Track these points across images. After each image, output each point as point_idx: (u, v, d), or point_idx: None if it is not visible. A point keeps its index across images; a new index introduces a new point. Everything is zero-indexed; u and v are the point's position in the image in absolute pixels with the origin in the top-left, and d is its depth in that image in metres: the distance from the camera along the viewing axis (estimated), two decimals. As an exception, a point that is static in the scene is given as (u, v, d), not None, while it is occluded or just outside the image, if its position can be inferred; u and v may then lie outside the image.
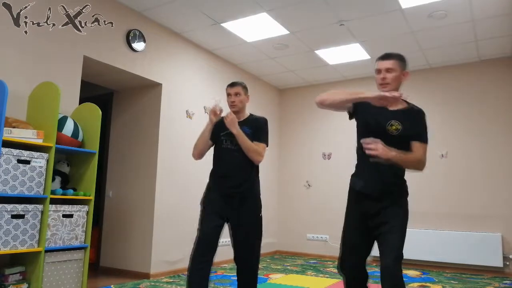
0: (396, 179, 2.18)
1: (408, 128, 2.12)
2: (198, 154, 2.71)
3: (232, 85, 2.68)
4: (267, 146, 2.68)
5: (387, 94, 1.99)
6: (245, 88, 2.70)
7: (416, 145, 2.12)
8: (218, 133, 2.65)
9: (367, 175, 2.21)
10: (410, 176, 2.36)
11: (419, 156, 2.11)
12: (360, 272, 2.25)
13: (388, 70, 2.12)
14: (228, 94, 2.67)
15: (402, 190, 2.19)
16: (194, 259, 2.46)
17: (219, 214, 2.55)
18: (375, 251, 2.30)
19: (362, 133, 2.20)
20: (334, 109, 2.30)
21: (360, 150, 2.22)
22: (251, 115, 2.76)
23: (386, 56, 2.16)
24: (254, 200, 2.62)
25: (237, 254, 2.60)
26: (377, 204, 2.15)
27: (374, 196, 2.15)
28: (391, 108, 2.17)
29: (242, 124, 2.63)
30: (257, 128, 2.66)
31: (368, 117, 2.19)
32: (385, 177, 2.15)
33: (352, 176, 2.34)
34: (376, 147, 2.01)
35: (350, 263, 2.23)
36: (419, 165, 2.11)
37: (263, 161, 2.63)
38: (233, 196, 2.55)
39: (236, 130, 2.52)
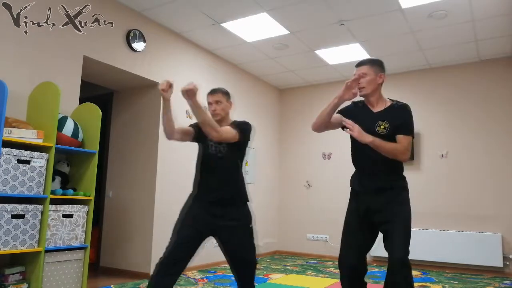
0: (391, 176, 2.26)
1: (395, 124, 2.24)
2: (166, 133, 2.37)
3: (212, 92, 2.47)
4: (236, 135, 2.33)
5: (347, 82, 2.25)
6: (226, 94, 2.50)
7: (399, 137, 2.23)
8: (204, 136, 2.36)
9: (361, 174, 2.34)
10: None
11: (399, 146, 2.20)
12: (361, 265, 2.29)
13: (362, 75, 2.31)
14: (209, 103, 2.45)
15: (400, 186, 2.25)
16: (160, 270, 2.18)
17: (199, 226, 2.30)
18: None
19: (355, 141, 2.33)
20: (329, 127, 2.46)
21: (354, 155, 2.44)
22: (234, 121, 2.50)
23: (359, 63, 2.36)
24: (242, 209, 2.40)
25: (232, 266, 2.41)
26: (377, 200, 2.22)
27: (370, 194, 2.26)
28: (375, 110, 2.33)
29: None
30: (234, 123, 2.42)
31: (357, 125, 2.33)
32: (377, 175, 2.26)
33: (351, 176, 2.47)
34: (353, 128, 2.18)
35: (353, 260, 2.26)
36: (397, 153, 2.19)
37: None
38: (217, 206, 2.34)
39: (192, 100, 2.14)
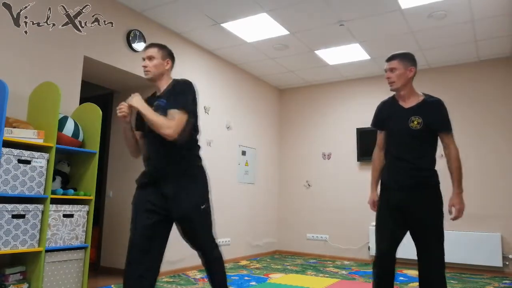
0: (419, 172, 2.26)
1: (428, 119, 2.25)
2: (132, 153, 2.35)
3: (146, 47, 2.22)
4: (185, 111, 2.09)
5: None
6: (163, 49, 2.22)
7: (445, 138, 2.28)
8: (142, 120, 2.19)
9: (390, 169, 2.37)
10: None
11: (452, 153, 2.26)
12: (392, 258, 2.31)
13: (391, 69, 2.33)
14: (142, 59, 2.23)
15: (429, 182, 2.28)
16: (128, 268, 2.06)
17: (151, 208, 2.12)
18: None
19: (392, 137, 2.37)
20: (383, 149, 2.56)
21: (387, 151, 2.43)
22: (175, 80, 2.24)
23: (389, 58, 2.36)
24: (190, 187, 2.13)
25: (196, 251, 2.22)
26: (409, 198, 2.24)
27: (396, 188, 2.28)
28: (407, 106, 2.33)
29: (161, 97, 2.19)
30: (172, 94, 2.15)
31: (391, 123, 2.37)
32: (403, 171, 2.28)
33: (383, 169, 2.48)
34: (458, 214, 2.27)
35: (382, 251, 2.29)
36: (459, 159, 2.28)
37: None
38: (159, 183, 2.14)
39: (137, 103, 2.06)
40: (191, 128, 2.18)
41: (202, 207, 2.14)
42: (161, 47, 2.23)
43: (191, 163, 2.19)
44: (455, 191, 2.24)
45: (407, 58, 2.34)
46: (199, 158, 2.24)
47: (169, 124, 2.04)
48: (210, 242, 2.20)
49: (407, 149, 2.27)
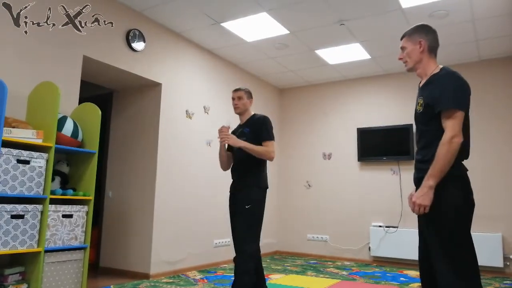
0: (422, 164, 1.91)
1: (428, 97, 1.88)
2: (224, 168, 3.08)
3: (235, 90, 3.02)
4: (273, 140, 2.89)
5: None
6: (247, 92, 3.00)
7: (442, 119, 1.81)
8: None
9: None
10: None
11: (444, 139, 1.76)
12: (425, 267, 1.97)
13: (401, 48, 2.08)
14: (232, 98, 3.00)
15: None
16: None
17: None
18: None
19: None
20: None
21: None
22: (254, 115, 3.00)
23: (401, 37, 2.11)
24: (246, 192, 2.81)
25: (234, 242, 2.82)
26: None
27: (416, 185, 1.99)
28: (421, 85, 2.03)
29: (244, 125, 2.96)
30: (257, 128, 2.88)
31: None
32: (416, 163, 1.99)
33: None
34: (412, 207, 1.85)
35: (420, 257, 1.99)
36: (446, 146, 1.76)
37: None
38: (234, 191, 2.90)
39: (241, 144, 2.78)
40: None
41: (246, 206, 2.78)
42: (248, 91, 3.00)
43: (257, 174, 2.91)
44: (422, 183, 1.79)
45: (415, 31, 2.01)
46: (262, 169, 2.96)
47: (269, 150, 2.82)
48: (246, 246, 2.75)
49: (417, 138, 1.96)
